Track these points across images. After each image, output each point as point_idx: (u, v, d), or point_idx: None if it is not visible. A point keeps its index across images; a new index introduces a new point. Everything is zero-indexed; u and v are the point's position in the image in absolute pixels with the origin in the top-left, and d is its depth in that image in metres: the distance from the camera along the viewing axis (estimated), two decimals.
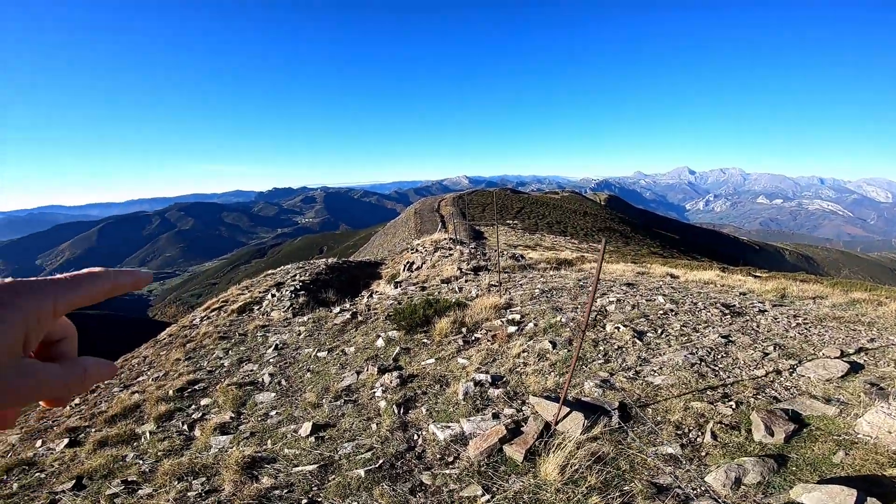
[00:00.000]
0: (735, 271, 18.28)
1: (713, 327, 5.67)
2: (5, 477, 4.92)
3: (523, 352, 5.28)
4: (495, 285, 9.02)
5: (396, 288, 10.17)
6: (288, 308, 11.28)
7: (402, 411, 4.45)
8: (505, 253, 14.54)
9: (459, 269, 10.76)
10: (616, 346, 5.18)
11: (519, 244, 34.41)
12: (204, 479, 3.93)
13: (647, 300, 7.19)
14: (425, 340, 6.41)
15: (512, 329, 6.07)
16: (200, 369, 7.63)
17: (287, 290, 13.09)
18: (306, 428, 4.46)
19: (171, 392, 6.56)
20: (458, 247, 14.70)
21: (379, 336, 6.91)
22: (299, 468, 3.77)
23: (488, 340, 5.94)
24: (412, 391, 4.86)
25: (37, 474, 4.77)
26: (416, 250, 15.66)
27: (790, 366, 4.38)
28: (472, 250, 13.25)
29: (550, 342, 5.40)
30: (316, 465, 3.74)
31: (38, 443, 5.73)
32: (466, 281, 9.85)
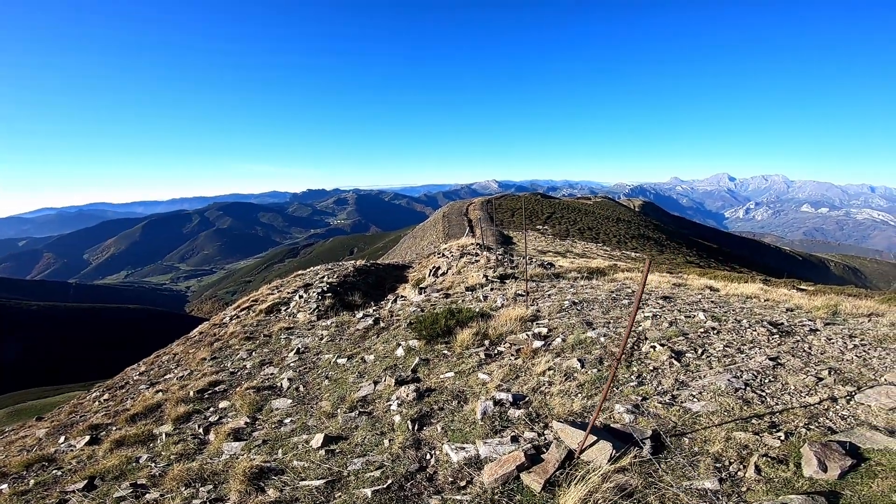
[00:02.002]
0: (779, 284, 17.25)
1: (759, 348, 5.20)
2: (24, 472, 5.03)
3: (549, 370, 4.95)
4: (522, 295, 8.71)
5: (421, 294, 9.99)
6: (314, 310, 11.29)
7: (416, 427, 4.25)
8: (533, 260, 14.13)
9: (485, 276, 10.50)
10: (651, 368, 4.81)
11: (549, 250, 33.76)
12: (211, 486, 3.85)
13: (685, 316, 6.73)
14: (446, 352, 6.18)
15: (538, 344, 5.76)
16: (223, 370, 7.68)
17: (314, 292, 13.15)
18: (318, 439, 4.33)
19: (192, 393, 6.60)
20: (484, 253, 14.43)
21: (399, 345, 6.74)
22: (306, 483, 3.64)
23: (512, 355, 5.65)
24: (428, 406, 4.64)
25: (54, 472, 4.83)
26: (443, 255, 15.48)
27: (847, 393, 3.92)
28: (500, 257, 12.95)
29: (579, 360, 5.07)
30: (323, 481, 3.61)
31: (62, 439, 5.84)
32: (492, 289, 9.57)
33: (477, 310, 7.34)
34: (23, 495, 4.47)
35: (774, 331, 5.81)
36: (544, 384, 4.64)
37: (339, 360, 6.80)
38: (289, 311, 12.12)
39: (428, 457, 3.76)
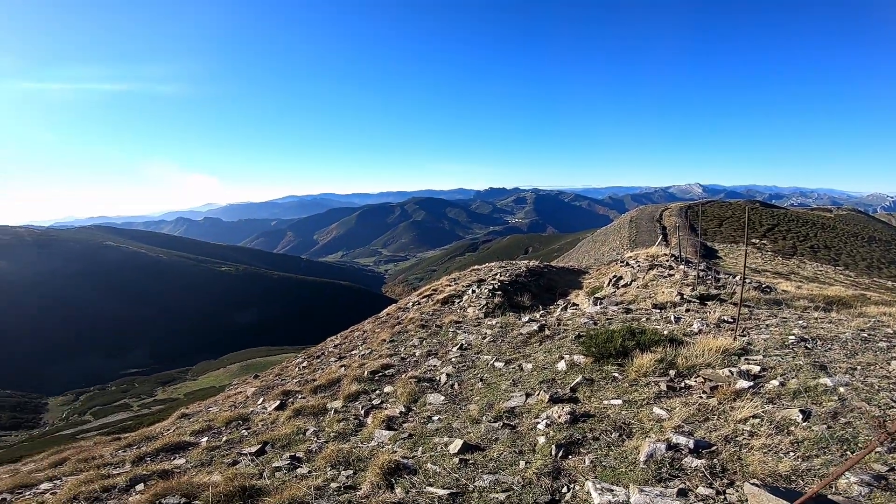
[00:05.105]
0: None
1: None
2: (223, 428, 5.99)
3: (753, 417, 3.81)
4: (729, 322, 7.02)
5: (596, 305, 8.98)
6: (482, 307, 11.30)
7: (560, 454, 3.72)
8: (746, 280, 11.50)
9: (680, 294, 8.86)
10: None
11: (765, 270, 27.67)
12: (351, 472, 3.94)
13: None
14: (616, 375, 5.29)
15: (743, 384, 4.47)
16: (396, 354, 8.13)
17: (485, 289, 13.23)
18: (456, 445, 4.11)
19: (366, 373, 7.07)
20: (681, 266, 12.35)
21: (562, 358, 6.05)
22: (432, 489, 3.47)
23: (704, 392, 4.50)
24: (581, 433, 4.02)
25: (242, 431, 5.62)
26: (627, 264, 13.86)
27: None
28: (701, 273, 10.87)
29: (801, 411, 3.72)
30: (447, 492, 3.40)
31: (260, 400, 6.89)
32: (687, 310, 7.99)
33: (665, 332, 6.15)
34: (212, 450, 5.25)
35: None
36: (743, 434, 3.62)
37: (497, 364, 6.48)
38: (461, 304, 12.42)
39: (564, 490, 3.28)
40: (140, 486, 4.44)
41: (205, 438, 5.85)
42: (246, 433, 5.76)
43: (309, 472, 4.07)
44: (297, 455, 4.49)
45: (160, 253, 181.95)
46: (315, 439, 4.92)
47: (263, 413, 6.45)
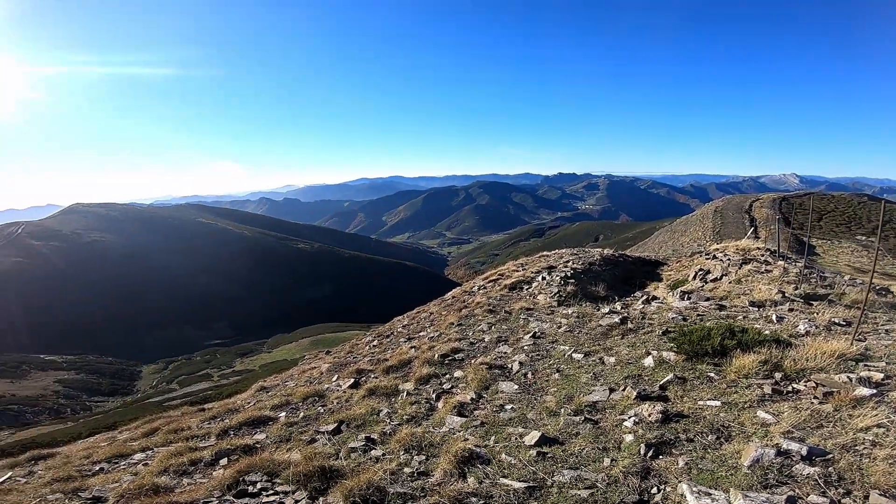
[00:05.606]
0: None
1: None
2: (300, 404, 6.22)
3: (877, 426, 3.41)
4: (842, 325, 6.26)
5: (683, 299, 8.37)
6: (554, 294, 10.98)
7: (649, 453, 3.51)
8: (857, 281, 10.17)
9: (781, 292, 8.02)
10: None
11: (875, 270, 24.41)
12: (424, 457, 3.95)
13: None
14: (712, 374, 4.92)
15: (864, 391, 3.97)
16: (464, 339, 8.09)
17: (557, 276, 12.84)
18: (533, 437, 3.99)
19: (436, 356, 7.07)
20: (780, 262, 11.19)
21: (650, 353, 5.71)
22: (506, 481, 3.37)
23: (815, 398, 4.07)
24: (673, 433, 3.76)
25: (319, 408, 5.78)
26: (714, 257, 12.77)
27: None
28: (803, 270, 9.76)
29: None
30: (524, 485, 3.28)
31: (335, 377, 7.11)
32: (790, 310, 7.21)
33: (767, 332, 5.62)
34: (290, 426, 5.45)
35: None
36: (864, 443, 3.25)
37: (575, 355, 6.24)
38: (530, 290, 12.16)
39: (654, 491, 3.09)
40: (224, 461, 4.66)
41: (283, 414, 6.09)
42: (322, 410, 5.94)
43: (383, 454, 4.13)
44: (371, 437, 4.59)
45: (244, 230, 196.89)
46: (388, 421, 4.99)
47: (338, 391, 6.62)
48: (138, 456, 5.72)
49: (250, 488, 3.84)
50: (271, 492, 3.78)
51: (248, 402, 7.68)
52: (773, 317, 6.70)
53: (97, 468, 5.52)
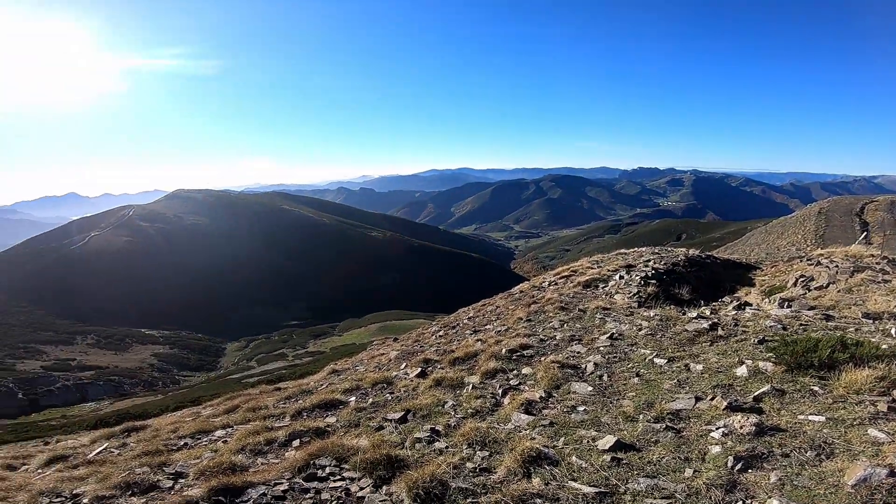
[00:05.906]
0: None
1: None
2: (370, 390, 6.35)
3: None
4: None
5: (783, 307, 7.73)
6: (634, 295, 10.58)
7: (737, 466, 3.31)
8: None
9: None
10: None
11: None
12: (487, 453, 3.93)
13: None
14: (816, 388, 4.55)
15: None
16: (534, 335, 7.95)
17: (636, 275, 12.34)
18: (607, 441, 3.85)
19: (503, 351, 6.98)
20: None
21: (743, 362, 5.38)
22: (576, 484, 3.29)
23: None
24: (766, 447, 3.52)
25: (387, 395, 5.89)
26: (819, 263, 11.58)
27: None
28: None
29: None
30: (595, 490, 3.18)
31: (403, 365, 7.24)
32: None
33: (885, 347, 5.10)
34: (359, 412, 5.58)
35: None
36: None
37: (657, 360, 5.99)
38: (606, 289, 11.79)
39: None
40: (296, 443, 4.85)
41: (353, 398, 6.27)
42: (389, 397, 6.05)
43: (446, 447, 4.14)
44: (436, 428, 4.62)
45: (323, 217, 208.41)
46: (453, 413, 5.00)
47: (406, 379, 6.69)
48: (219, 433, 6.05)
49: (319, 472, 3.99)
50: (338, 477, 3.92)
51: (321, 385, 7.97)
52: (893, 331, 6.03)
53: (182, 443, 5.90)
